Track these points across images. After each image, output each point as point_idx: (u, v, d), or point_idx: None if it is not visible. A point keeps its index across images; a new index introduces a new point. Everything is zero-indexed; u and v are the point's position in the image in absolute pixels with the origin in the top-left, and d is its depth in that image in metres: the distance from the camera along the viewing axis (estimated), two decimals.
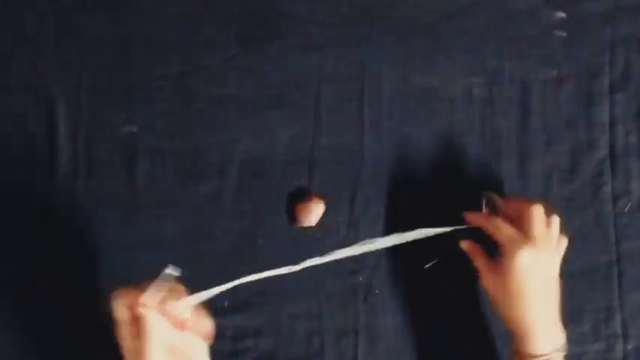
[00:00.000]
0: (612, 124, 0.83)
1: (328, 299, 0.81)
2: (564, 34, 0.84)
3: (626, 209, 0.82)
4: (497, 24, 0.84)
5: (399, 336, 0.81)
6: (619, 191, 0.83)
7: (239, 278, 0.81)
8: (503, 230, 0.73)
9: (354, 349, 0.82)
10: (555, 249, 0.74)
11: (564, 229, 0.82)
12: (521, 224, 0.72)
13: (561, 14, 0.84)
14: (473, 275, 0.77)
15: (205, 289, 0.82)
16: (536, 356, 0.71)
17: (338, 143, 0.83)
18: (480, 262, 0.75)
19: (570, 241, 0.82)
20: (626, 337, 0.81)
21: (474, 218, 0.77)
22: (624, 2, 0.84)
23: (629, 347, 0.81)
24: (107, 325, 0.82)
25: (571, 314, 0.81)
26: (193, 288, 0.83)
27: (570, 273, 0.82)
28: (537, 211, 0.72)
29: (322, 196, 0.81)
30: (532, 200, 0.74)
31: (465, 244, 0.77)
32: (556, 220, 0.74)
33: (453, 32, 0.84)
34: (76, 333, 0.82)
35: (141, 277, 0.82)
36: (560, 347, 0.72)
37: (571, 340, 0.81)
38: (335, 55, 0.84)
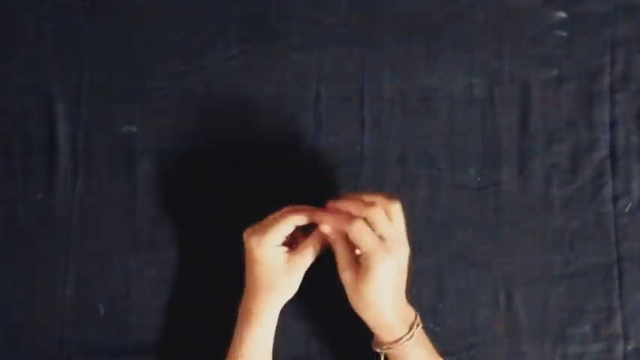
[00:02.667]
0: (612, 124, 0.83)
1: (328, 299, 0.81)
2: (564, 34, 0.84)
3: (627, 209, 0.82)
4: (497, 24, 0.84)
5: None
6: (619, 191, 0.83)
7: (240, 277, 0.81)
8: (365, 239, 0.69)
9: (355, 349, 0.82)
10: (402, 238, 0.72)
11: (563, 228, 0.82)
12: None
13: (561, 14, 0.84)
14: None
15: (205, 288, 0.82)
16: (396, 340, 0.72)
17: (338, 143, 0.83)
18: (340, 255, 0.72)
19: (570, 241, 0.82)
20: (626, 338, 0.81)
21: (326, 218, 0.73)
22: (624, 2, 0.84)
23: (629, 347, 0.81)
24: (107, 325, 0.82)
25: (571, 314, 0.81)
26: (193, 288, 0.83)
27: (570, 273, 0.82)
28: (379, 214, 0.70)
29: None
30: (369, 201, 0.71)
31: (326, 228, 0.72)
32: (398, 209, 0.71)
33: (453, 32, 0.84)
34: (76, 333, 0.82)
35: (141, 279, 0.83)
36: (412, 323, 0.72)
37: (571, 341, 0.81)
38: (335, 55, 0.84)
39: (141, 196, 0.83)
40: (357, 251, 0.71)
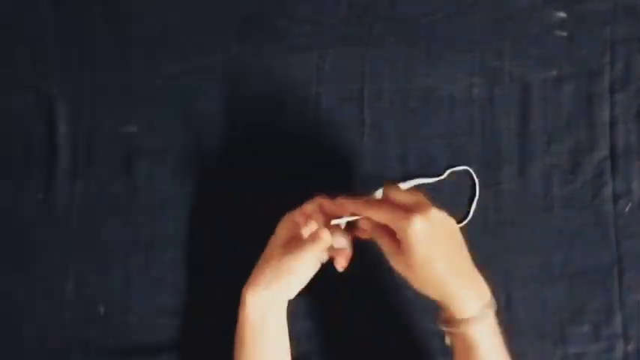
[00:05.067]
0: (612, 124, 0.83)
1: (328, 299, 0.81)
2: (564, 34, 0.84)
3: (627, 209, 0.82)
4: (497, 24, 0.84)
5: (396, 338, 0.81)
6: (619, 191, 0.83)
7: (239, 279, 0.81)
8: (383, 209, 0.68)
9: (355, 349, 0.82)
10: (429, 204, 0.69)
11: (563, 228, 0.82)
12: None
13: (561, 14, 0.84)
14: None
15: (205, 288, 0.82)
16: (467, 319, 0.67)
17: (338, 143, 0.83)
18: (383, 243, 0.70)
19: (570, 241, 0.82)
20: (626, 338, 0.81)
21: (352, 206, 0.72)
22: (624, 2, 0.84)
23: (629, 347, 0.81)
24: (107, 325, 0.82)
25: (571, 314, 0.81)
26: (193, 288, 0.83)
27: (570, 273, 0.82)
28: (395, 189, 0.70)
29: None
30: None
31: (365, 224, 0.72)
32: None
33: (453, 32, 0.84)
34: (76, 333, 0.82)
35: (141, 279, 0.83)
36: (487, 303, 0.69)
37: (571, 341, 0.81)
38: (335, 55, 0.84)
39: (141, 196, 0.83)
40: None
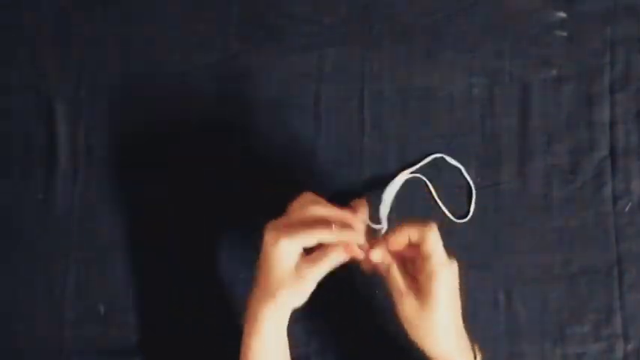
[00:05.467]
0: (612, 124, 0.83)
1: (328, 299, 0.81)
2: (564, 34, 0.84)
3: (627, 209, 0.82)
4: (497, 24, 0.84)
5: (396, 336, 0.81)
6: (619, 191, 0.83)
7: (239, 279, 0.81)
8: (440, 248, 0.65)
9: (355, 349, 0.82)
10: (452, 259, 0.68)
11: (563, 228, 0.82)
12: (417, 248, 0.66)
13: (561, 14, 0.84)
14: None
15: (206, 288, 0.82)
16: None
17: (338, 143, 0.83)
18: (397, 281, 0.66)
19: (570, 241, 0.82)
20: (626, 338, 0.81)
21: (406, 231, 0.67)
22: (624, 2, 0.84)
23: (629, 347, 0.81)
24: (107, 325, 0.82)
25: (571, 314, 0.81)
26: (193, 288, 0.83)
27: (570, 273, 0.82)
28: (435, 232, 0.67)
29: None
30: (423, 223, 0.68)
31: (377, 255, 0.67)
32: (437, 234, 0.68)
33: (453, 32, 0.84)
34: (76, 333, 0.82)
35: (141, 279, 0.83)
36: (475, 355, 0.69)
37: (571, 341, 0.81)
38: (335, 55, 0.84)
39: (140, 197, 0.83)
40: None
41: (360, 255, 0.68)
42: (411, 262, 0.68)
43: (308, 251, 0.69)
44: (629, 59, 0.84)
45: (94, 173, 0.83)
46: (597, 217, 0.82)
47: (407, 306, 0.66)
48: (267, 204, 0.83)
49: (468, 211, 0.82)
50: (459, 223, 0.82)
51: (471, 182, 0.82)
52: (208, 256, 0.82)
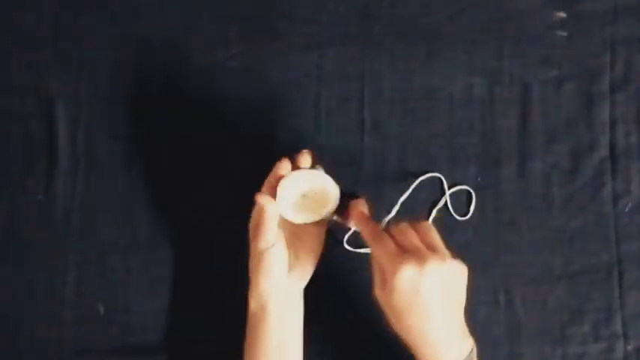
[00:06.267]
0: (612, 124, 0.83)
1: (328, 300, 0.81)
2: (564, 34, 0.84)
3: (627, 209, 0.82)
4: (498, 24, 0.84)
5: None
6: (619, 191, 0.83)
7: (240, 276, 0.81)
8: (382, 245, 0.65)
9: (355, 349, 0.82)
10: (446, 256, 0.66)
11: (563, 228, 0.82)
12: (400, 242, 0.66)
13: (561, 14, 0.84)
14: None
15: (205, 288, 0.82)
16: None
17: (338, 143, 0.83)
18: (374, 270, 0.67)
19: (570, 241, 0.82)
20: (626, 338, 0.81)
21: (359, 218, 0.71)
22: (624, 2, 0.84)
23: (629, 347, 0.81)
24: (107, 325, 0.82)
25: (571, 314, 0.81)
26: (193, 288, 0.83)
27: (570, 273, 0.82)
28: (403, 227, 0.67)
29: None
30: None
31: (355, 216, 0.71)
32: (433, 230, 0.68)
33: (453, 32, 0.84)
34: (76, 333, 0.82)
35: (141, 279, 0.83)
36: (464, 358, 0.67)
37: (571, 341, 0.81)
38: (335, 55, 0.84)
39: (140, 196, 0.83)
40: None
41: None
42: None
43: None
44: (629, 59, 0.84)
45: (94, 173, 0.83)
46: (597, 217, 0.82)
47: (376, 292, 0.66)
48: None
49: (468, 212, 0.82)
50: (459, 223, 0.82)
51: (447, 190, 0.82)
52: (208, 255, 0.82)
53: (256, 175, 0.83)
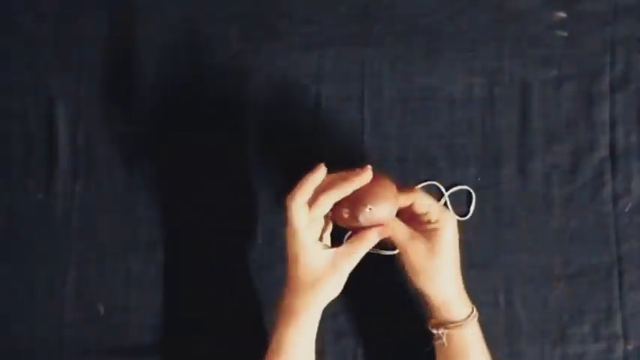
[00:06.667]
0: (612, 124, 0.83)
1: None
2: (564, 34, 0.84)
3: (627, 209, 0.82)
4: (498, 24, 0.84)
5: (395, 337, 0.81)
6: (619, 191, 0.83)
7: (239, 276, 0.81)
8: (433, 202, 0.73)
9: (354, 349, 0.82)
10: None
11: (563, 228, 0.82)
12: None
13: (561, 14, 0.84)
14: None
15: (204, 288, 0.82)
16: (457, 321, 0.72)
17: (338, 143, 0.83)
18: (402, 231, 0.71)
19: (570, 241, 0.82)
20: (626, 337, 0.81)
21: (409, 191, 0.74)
22: (624, 2, 0.84)
23: (629, 347, 0.81)
24: (107, 325, 0.82)
25: (571, 314, 0.81)
26: (193, 288, 0.83)
27: (570, 273, 0.82)
28: (420, 193, 0.74)
29: None
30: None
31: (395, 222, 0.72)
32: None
33: (453, 32, 0.84)
34: (76, 333, 0.82)
35: (141, 279, 0.83)
36: (472, 312, 0.73)
37: (571, 341, 0.81)
38: (335, 55, 0.84)
39: (140, 196, 0.83)
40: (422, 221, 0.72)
41: (389, 232, 0.71)
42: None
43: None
44: (629, 59, 0.84)
45: (94, 173, 0.83)
46: (597, 217, 0.82)
47: (413, 251, 0.71)
48: (267, 203, 0.83)
49: (468, 212, 0.82)
50: (459, 223, 0.82)
51: (447, 199, 0.82)
52: (208, 255, 0.82)
53: (256, 175, 0.83)
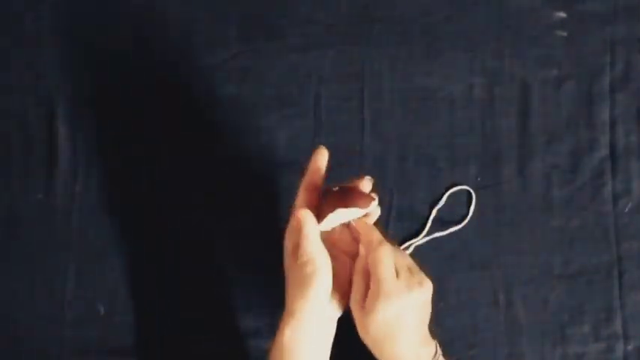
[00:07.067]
0: (612, 124, 0.83)
1: None
2: (565, 33, 0.84)
3: (626, 209, 0.82)
4: (497, 24, 0.84)
5: None
6: (619, 191, 0.83)
7: (240, 276, 0.81)
8: (386, 266, 0.65)
9: (354, 349, 0.82)
10: (424, 281, 0.67)
11: (563, 228, 0.82)
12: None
13: (561, 14, 0.84)
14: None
15: (205, 288, 0.83)
16: None
17: (338, 143, 0.83)
18: (356, 286, 0.67)
19: (570, 241, 0.82)
20: (626, 338, 0.81)
21: (364, 230, 0.69)
22: (624, 2, 0.84)
23: (629, 347, 0.81)
24: (107, 325, 0.82)
25: (571, 314, 0.81)
26: (193, 288, 0.83)
27: (570, 273, 0.82)
28: (385, 255, 0.66)
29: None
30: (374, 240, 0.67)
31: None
32: (404, 257, 0.69)
33: (453, 32, 0.84)
34: (76, 333, 0.82)
35: (141, 279, 0.83)
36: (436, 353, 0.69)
37: (571, 341, 0.81)
38: (335, 55, 0.84)
39: (140, 197, 0.83)
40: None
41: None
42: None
43: None
44: (629, 59, 0.84)
45: (94, 173, 0.83)
46: (597, 217, 0.82)
47: (355, 314, 0.67)
48: (267, 203, 0.83)
49: (468, 212, 0.82)
50: (459, 223, 0.82)
51: (473, 206, 0.83)
52: (208, 255, 0.82)
53: (257, 175, 0.83)
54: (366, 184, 0.71)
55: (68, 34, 0.85)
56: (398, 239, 0.81)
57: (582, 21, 0.84)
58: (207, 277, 0.82)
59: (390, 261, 0.65)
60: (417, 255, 0.80)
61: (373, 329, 0.66)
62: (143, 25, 0.85)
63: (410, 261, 0.69)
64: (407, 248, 0.81)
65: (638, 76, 0.83)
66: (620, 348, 0.81)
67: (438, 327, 0.80)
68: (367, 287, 0.66)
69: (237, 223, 0.82)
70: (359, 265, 0.68)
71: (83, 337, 0.82)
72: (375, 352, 0.68)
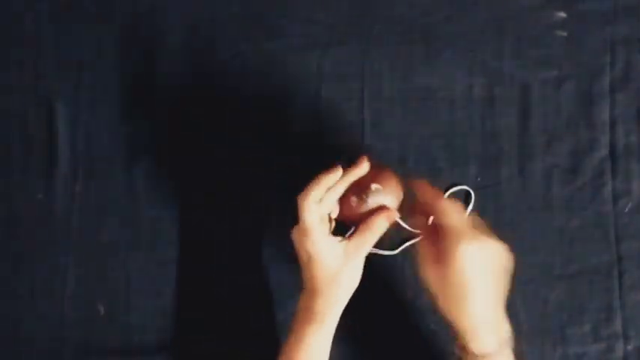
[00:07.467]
0: (613, 124, 0.83)
1: None
2: (565, 34, 0.84)
3: (627, 209, 0.82)
4: (497, 24, 0.84)
5: (396, 339, 0.82)
6: (619, 191, 0.83)
7: (240, 276, 0.81)
8: (451, 216, 0.65)
9: (354, 349, 0.82)
10: (494, 239, 0.66)
11: (563, 228, 0.82)
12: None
13: (561, 14, 0.84)
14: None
15: (206, 288, 0.83)
16: (482, 356, 0.65)
17: (338, 143, 0.83)
18: (423, 244, 0.67)
19: (570, 241, 0.82)
20: (626, 337, 0.81)
21: (423, 190, 0.69)
22: (624, 2, 0.84)
23: (629, 347, 0.81)
24: (107, 325, 0.82)
25: (571, 314, 0.81)
26: (193, 288, 0.83)
27: (570, 273, 0.82)
28: (451, 204, 0.67)
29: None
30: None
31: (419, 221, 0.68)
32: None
33: (453, 32, 0.84)
34: (76, 333, 0.82)
35: (141, 279, 0.83)
36: (505, 340, 0.66)
37: (571, 341, 0.81)
38: (335, 54, 0.84)
39: (141, 196, 0.83)
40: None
41: (396, 216, 0.70)
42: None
43: None
44: (629, 59, 0.84)
45: (94, 173, 0.83)
46: (597, 217, 0.82)
47: (425, 269, 0.66)
48: (267, 203, 0.83)
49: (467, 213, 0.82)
50: None
51: (471, 205, 0.83)
52: (209, 255, 0.82)
53: (256, 175, 0.83)
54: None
55: (68, 34, 0.85)
56: (398, 239, 0.81)
57: (582, 21, 0.84)
58: (208, 277, 0.82)
59: (458, 208, 0.66)
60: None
61: (453, 281, 0.63)
62: (143, 25, 0.85)
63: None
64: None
65: (638, 76, 0.83)
66: (620, 348, 0.81)
67: (438, 327, 0.81)
68: (435, 244, 0.65)
69: (237, 223, 0.82)
70: (420, 223, 0.69)
71: (83, 337, 0.82)
72: (452, 311, 0.65)
